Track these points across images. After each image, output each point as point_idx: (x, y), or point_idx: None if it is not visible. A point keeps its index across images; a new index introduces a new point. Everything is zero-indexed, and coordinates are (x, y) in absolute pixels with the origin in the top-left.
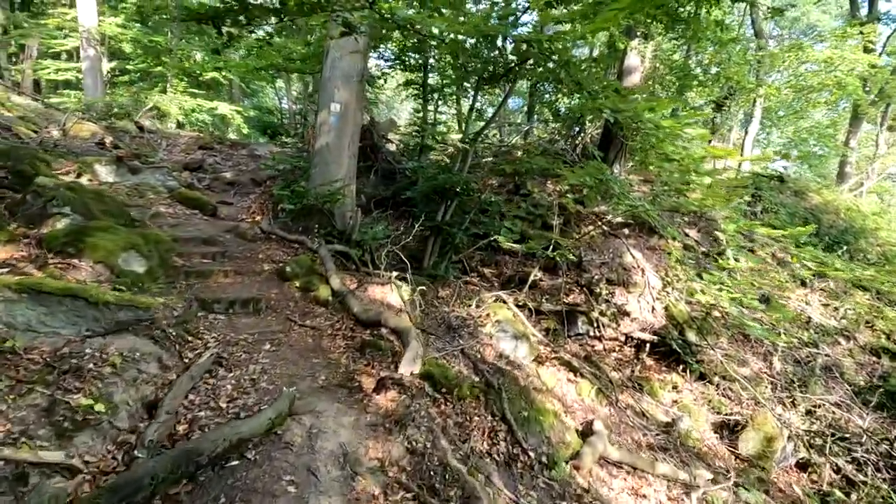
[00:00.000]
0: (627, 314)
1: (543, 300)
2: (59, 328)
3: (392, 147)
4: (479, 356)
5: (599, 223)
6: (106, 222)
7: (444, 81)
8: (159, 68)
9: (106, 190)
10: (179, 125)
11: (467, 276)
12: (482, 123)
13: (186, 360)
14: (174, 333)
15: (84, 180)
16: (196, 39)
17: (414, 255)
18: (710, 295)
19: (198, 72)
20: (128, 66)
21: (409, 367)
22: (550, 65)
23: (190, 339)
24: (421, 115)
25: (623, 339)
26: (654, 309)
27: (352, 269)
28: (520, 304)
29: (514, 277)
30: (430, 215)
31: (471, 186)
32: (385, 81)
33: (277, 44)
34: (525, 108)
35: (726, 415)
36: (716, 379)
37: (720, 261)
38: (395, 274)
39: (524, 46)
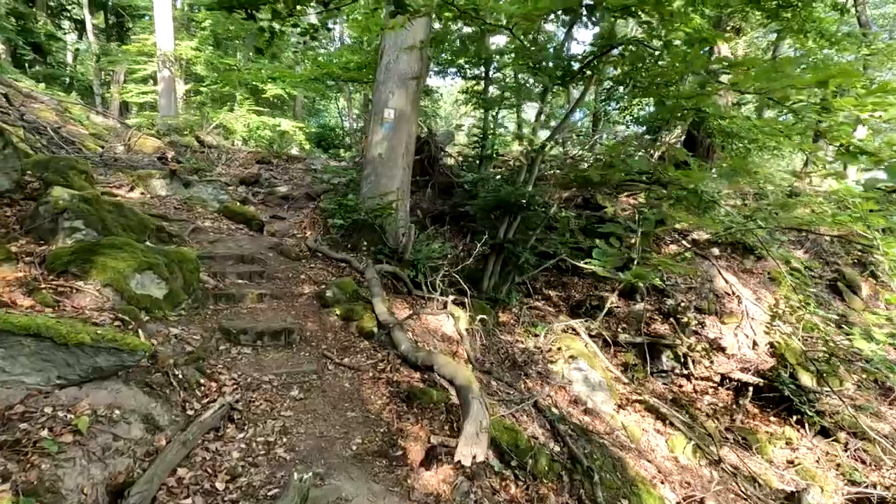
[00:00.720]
0: (722, 349)
1: (619, 329)
2: (22, 376)
3: (450, 161)
4: (556, 412)
5: (685, 241)
6: (123, 238)
7: (507, 86)
8: (227, 88)
9: (130, 202)
10: (244, 141)
11: (531, 300)
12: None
13: (191, 413)
14: (181, 376)
15: (136, 194)
16: (266, 62)
17: (472, 276)
18: (830, 331)
19: (260, 87)
20: (201, 88)
21: (469, 449)
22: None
23: (202, 381)
24: (481, 125)
25: (718, 379)
26: (755, 344)
27: (403, 292)
28: (592, 332)
29: (584, 302)
30: (491, 232)
31: (536, 200)
32: (442, 96)
33: (333, 53)
34: (590, 119)
35: (864, 486)
36: (842, 435)
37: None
38: (451, 298)
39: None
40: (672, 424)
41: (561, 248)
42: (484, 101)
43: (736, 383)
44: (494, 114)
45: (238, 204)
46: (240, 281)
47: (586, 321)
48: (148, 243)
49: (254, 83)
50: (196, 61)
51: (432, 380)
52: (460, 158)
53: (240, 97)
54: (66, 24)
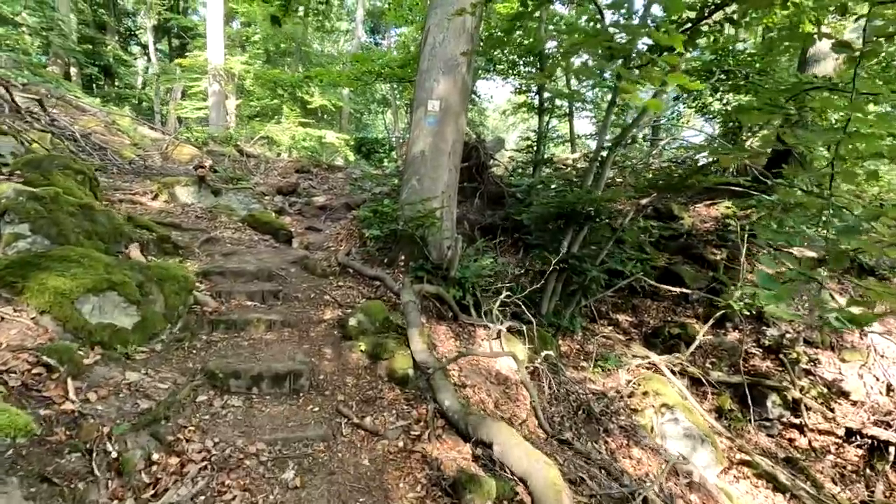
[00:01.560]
0: (844, 394)
1: (708, 365)
2: None
3: (500, 171)
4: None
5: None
6: (82, 249)
7: (560, 92)
8: (275, 101)
9: (147, 210)
10: (288, 152)
11: (597, 325)
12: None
13: None
14: (117, 452)
15: (159, 202)
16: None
17: (529, 297)
18: None
19: (306, 98)
20: (250, 103)
21: None
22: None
23: (155, 458)
24: (533, 133)
25: (842, 433)
26: (889, 389)
27: (447, 317)
28: (673, 367)
29: (661, 330)
30: (551, 246)
31: (607, 208)
32: (486, 107)
33: (375, 53)
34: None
35: None
36: None
37: None
38: (505, 325)
39: None
40: (795, 497)
41: (635, 266)
42: (539, 99)
43: (869, 440)
44: (547, 120)
45: (266, 213)
46: (249, 303)
47: (672, 356)
48: (144, 257)
49: (300, 95)
50: (245, 76)
51: (488, 457)
52: (510, 166)
53: (287, 109)
54: (136, 49)
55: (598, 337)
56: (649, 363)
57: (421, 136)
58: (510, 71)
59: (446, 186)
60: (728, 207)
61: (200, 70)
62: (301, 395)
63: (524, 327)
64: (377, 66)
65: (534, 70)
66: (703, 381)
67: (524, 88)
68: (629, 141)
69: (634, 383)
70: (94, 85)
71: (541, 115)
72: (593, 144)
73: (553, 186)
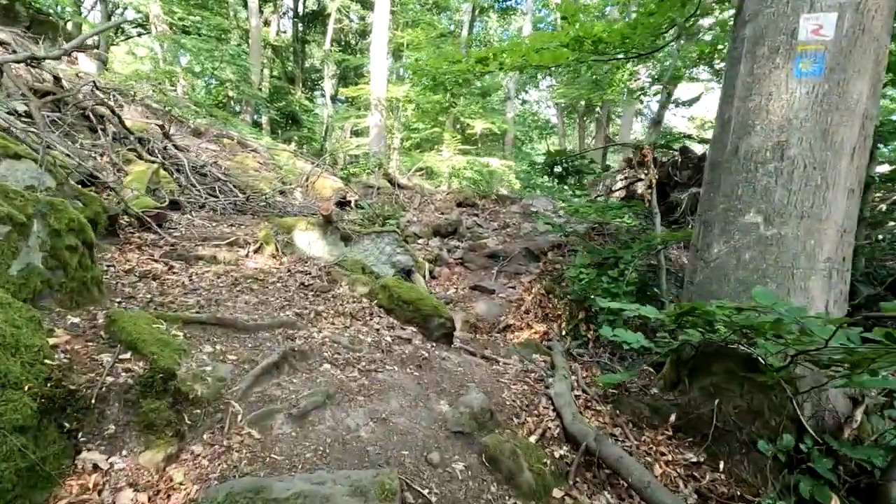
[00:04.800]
0: None
1: None
2: None
3: None
4: None
5: None
6: None
7: None
8: (436, 130)
9: (229, 271)
10: (450, 184)
11: None
12: None
13: None
14: None
15: (263, 257)
16: (474, 102)
17: None
18: None
19: (468, 123)
20: (412, 134)
21: None
22: None
23: None
24: None
25: None
26: None
27: None
28: None
29: None
30: None
31: None
32: None
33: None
34: None
35: None
36: None
37: None
38: None
39: None
40: None
41: None
42: None
43: None
44: None
45: (414, 287)
46: None
47: None
48: None
49: (463, 120)
50: (406, 105)
51: None
52: None
53: (447, 136)
54: (321, 100)
55: None
56: None
57: (770, 107)
58: None
59: (842, 233)
60: None
61: (364, 103)
62: None
63: None
64: (583, 31)
65: None
66: None
67: None
68: None
69: None
70: (279, 130)
71: None
72: None
73: None
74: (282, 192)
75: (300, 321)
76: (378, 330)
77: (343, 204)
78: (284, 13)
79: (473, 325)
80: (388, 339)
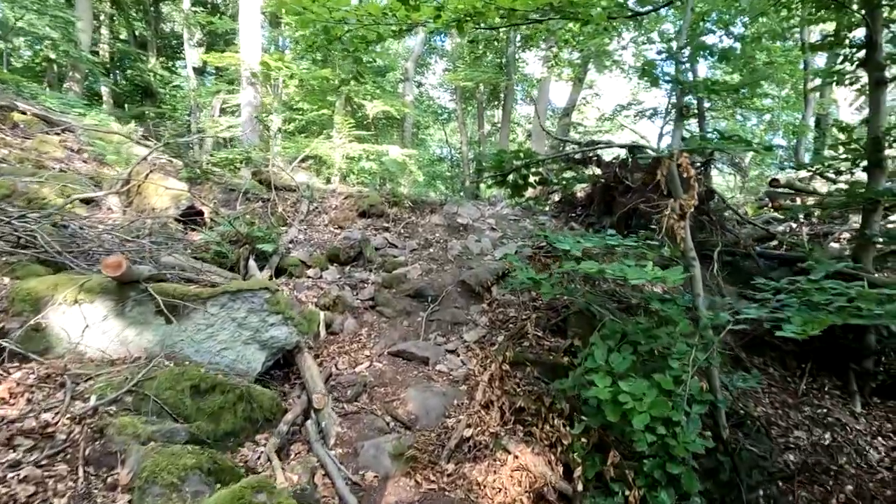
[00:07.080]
0: None
1: None
2: None
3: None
4: None
5: None
6: None
7: None
8: (325, 112)
9: None
10: (343, 177)
11: None
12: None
13: None
14: None
15: None
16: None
17: None
18: None
19: (362, 104)
20: (296, 115)
21: None
22: None
23: None
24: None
25: None
26: None
27: None
28: None
29: None
30: None
31: None
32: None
33: None
34: None
35: None
36: None
37: None
38: None
39: None
40: None
41: None
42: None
43: None
44: None
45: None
46: None
47: None
48: None
49: (356, 100)
50: (287, 81)
51: None
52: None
53: (339, 118)
54: (185, 71)
55: None
56: None
57: None
58: None
59: None
60: None
61: (234, 75)
62: None
63: None
64: None
65: None
66: None
67: None
68: None
69: None
70: (126, 105)
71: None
72: None
73: None
74: (87, 202)
75: None
76: None
77: (189, 217)
78: None
79: (412, 458)
80: None
